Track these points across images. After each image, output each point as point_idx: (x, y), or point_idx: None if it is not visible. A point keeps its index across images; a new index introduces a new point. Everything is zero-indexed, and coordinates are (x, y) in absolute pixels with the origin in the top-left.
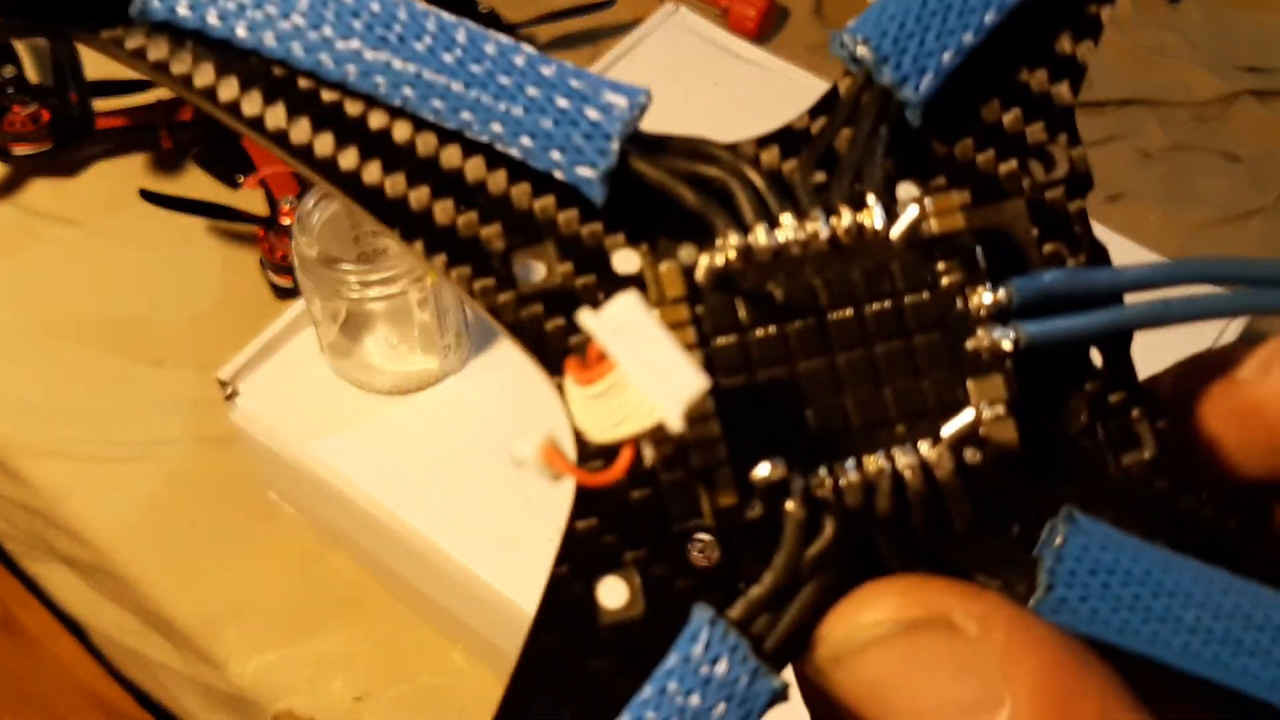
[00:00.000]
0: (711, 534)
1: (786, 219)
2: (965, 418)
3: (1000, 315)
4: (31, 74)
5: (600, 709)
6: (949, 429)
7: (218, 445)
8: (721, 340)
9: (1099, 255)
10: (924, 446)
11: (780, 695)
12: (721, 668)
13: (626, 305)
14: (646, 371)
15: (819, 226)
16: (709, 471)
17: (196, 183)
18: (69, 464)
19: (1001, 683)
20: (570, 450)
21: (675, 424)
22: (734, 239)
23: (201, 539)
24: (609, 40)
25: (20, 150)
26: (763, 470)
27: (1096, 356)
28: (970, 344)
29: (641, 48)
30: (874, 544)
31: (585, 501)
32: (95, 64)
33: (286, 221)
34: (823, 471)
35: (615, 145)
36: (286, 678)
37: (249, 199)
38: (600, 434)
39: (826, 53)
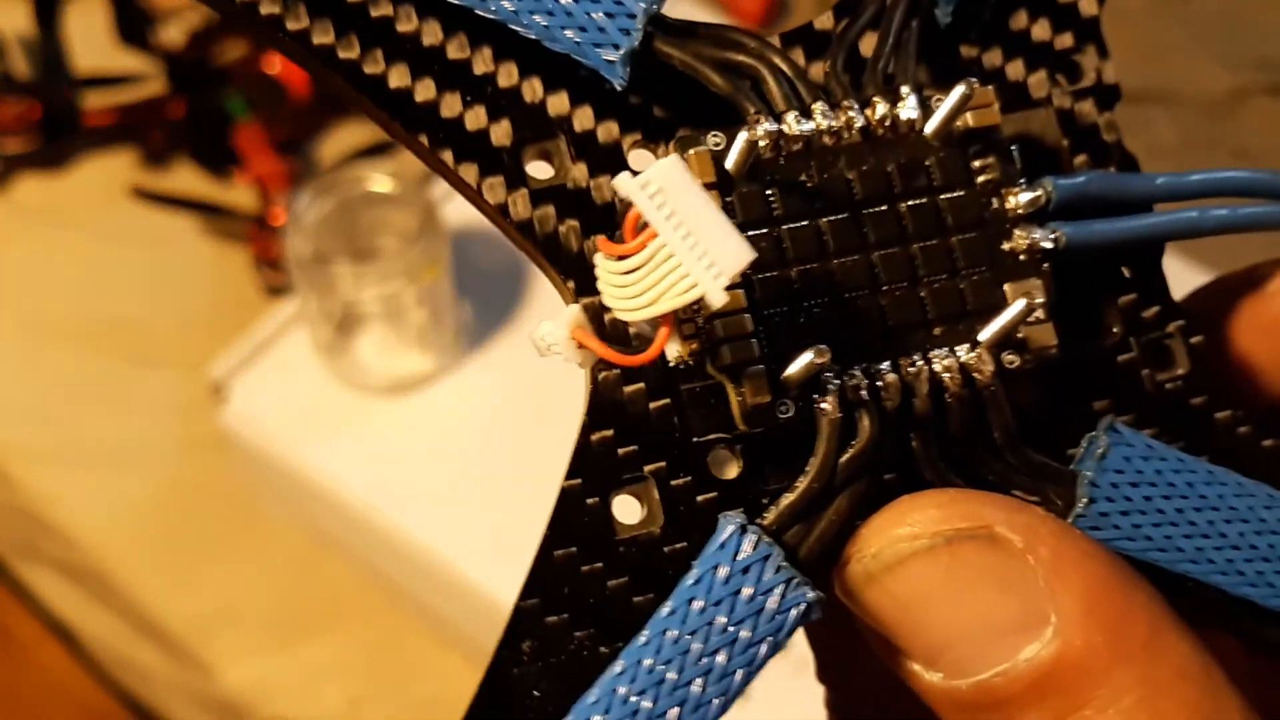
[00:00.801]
0: (737, 443)
1: (819, 108)
2: (1004, 319)
3: (1038, 215)
4: (20, 70)
5: (616, 629)
6: (987, 332)
7: (208, 447)
8: (753, 232)
9: (1129, 165)
10: (962, 349)
11: (814, 610)
12: (752, 578)
13: (669, 168)
14: (688, 241)
15: (853, 116)
16: (739, 368)
17: (187, 179)
18: (57, 466)
19: (1047, 600)
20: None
21: (717, 299)
22: (766, 125)
23: (192, 543)
24: None
25: (9, 146)
26: (801, 361)
27: (1128, 273)
28: (1007, 245)
29: None
30: (911, 454)
31: (601, 411)
32: (84, 59)
33: (280, 220)
34: (859, 372)
35: (640, 24)
36: (278, 684)
37: (241, 196)
38: (634, 312)
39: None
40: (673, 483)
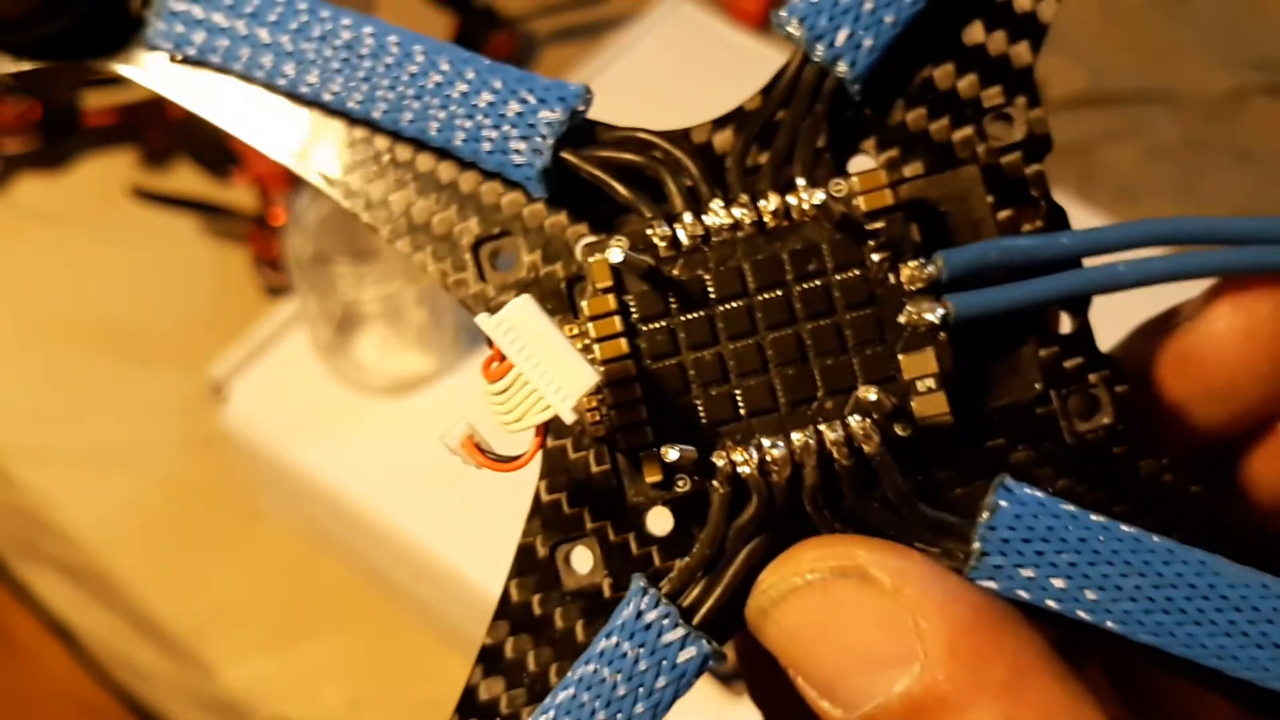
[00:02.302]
0: (667, 504)
1: (716, 205)
2: (888, 394)
3: (933, 288)
4: None
5: (564, 658)
6: (874, 405)
7: (208, 447)
8: (649, 326)
9: (1057, 219)
10: (853, 420)
11: (712, 658)
12: (653, 634)
13: (520, 306)
14: (539, 369)
15: (746, 211)
16: (634, 451)
17: (187, 179)
18: (56, 467)
19: (915, 637)
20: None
21: (568, 416)
22: (660, 230)
23: (191, 542)
24: (609, 33)
25: (8, 146)
26: (672, 454)
27: (1066, 323)
28: (902, 318)
29: (643, 40)
30: (807, 514)
31: (552, 473)
32: None
33: (279, 220)
34: (751, 449)
35: (548, 144)
36: (278, 684)
37: (240, 196)
38: (508, 426)
39: None
40: (612, 539)
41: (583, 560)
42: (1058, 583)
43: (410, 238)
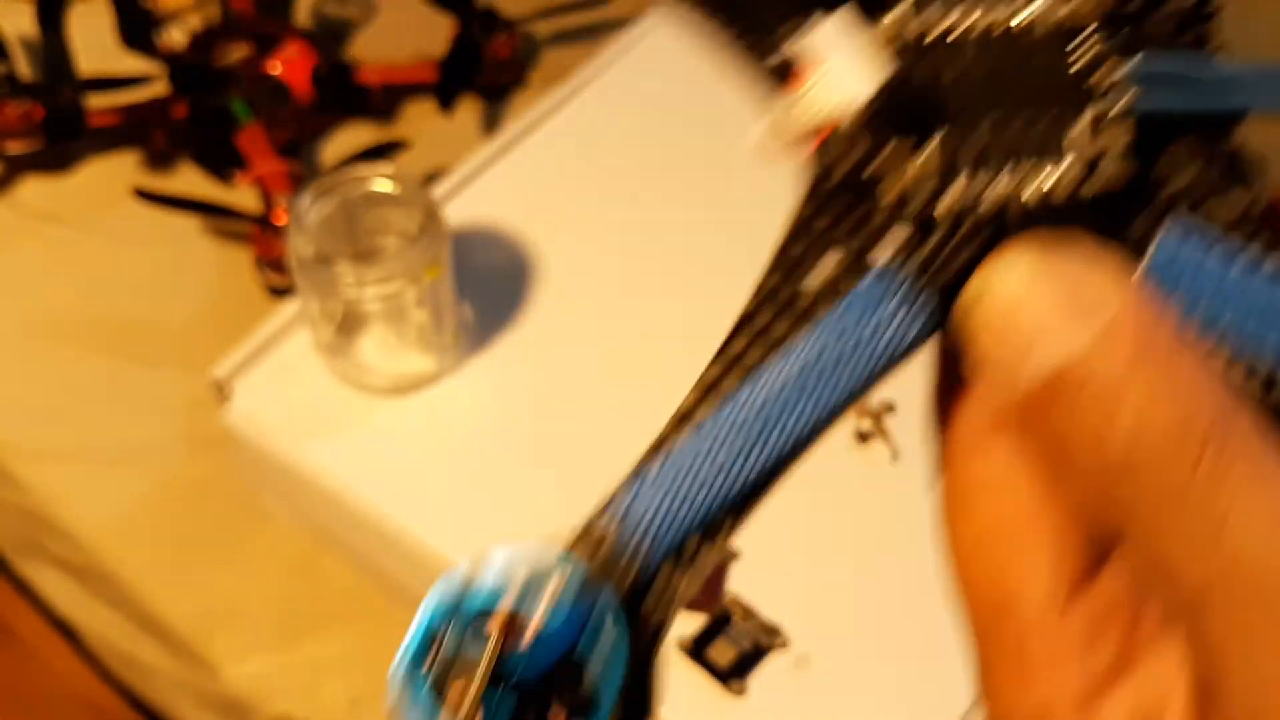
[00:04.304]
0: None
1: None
2: (1078, 153)
3: (1129, 78)
4: (24, 72)
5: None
6: (1069, 156)
7: (211, 447)
8: (899, 72)
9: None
10: (1048, 167)
11: (925, 335)
12: (888, 306)
13: (832, 24)
14: (835, 72)
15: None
16: (886, 156)
17: (190, 180)
18: (60, 466)
19: (1107, 296)
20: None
21: (859, 111)
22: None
23: (195, 541)
24: (609, 36)
25: (12, 148)
26: (931, 145)
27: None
28: (1092, 108)
29: (643, 42)
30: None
31: (810, 193)
32: (88, 61)
33: (282, 220)
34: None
35: None
36: (281, 682)
37: (243, 197)
38: (797, 128)
39: None
40: (857, 246)
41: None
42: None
43: None
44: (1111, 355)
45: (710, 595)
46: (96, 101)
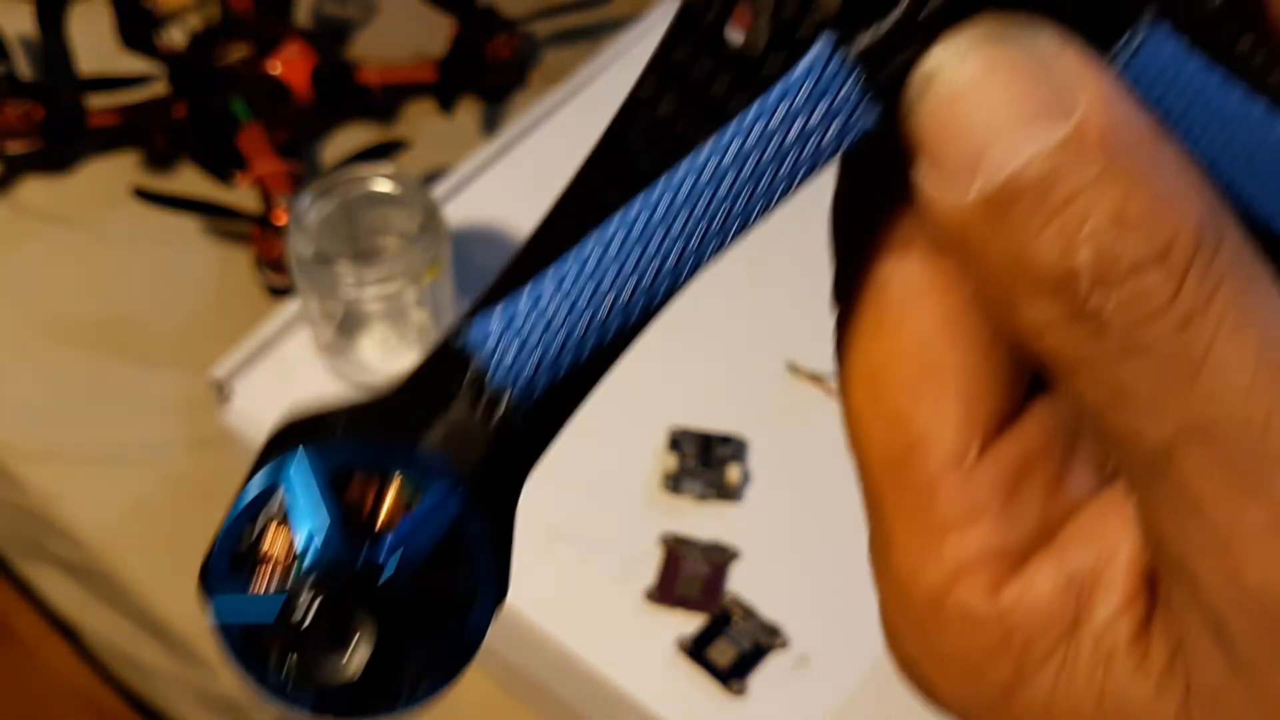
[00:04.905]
0: None
1: None
2: None
3: None
4: (24, 72)
5: (710, 120)
6: None
7: (212, 446)
8: None
9: None
10: None
11: (870, 128)
12: (832, 90)
13: None
14: None
15: None
16: None
17: (190, 181)
18: (61, 465)
19: (1075, 90)
20: None
21: None
22: None
23: (194, 541)
24: (609, 36)
25: (12, 148)
26: None
27: None
28: None
29: (642, 42)
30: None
31: None
32: (88, 62)
33: (282, 220)
34: None
35: None
36: None
37: (243, 197)
38: None
39: None
40: (782, 11)
41: (740, 30)
42: (1174, 124)
43: None
44: (1079, 161)
45: (710, 595)
46: (96, 101)
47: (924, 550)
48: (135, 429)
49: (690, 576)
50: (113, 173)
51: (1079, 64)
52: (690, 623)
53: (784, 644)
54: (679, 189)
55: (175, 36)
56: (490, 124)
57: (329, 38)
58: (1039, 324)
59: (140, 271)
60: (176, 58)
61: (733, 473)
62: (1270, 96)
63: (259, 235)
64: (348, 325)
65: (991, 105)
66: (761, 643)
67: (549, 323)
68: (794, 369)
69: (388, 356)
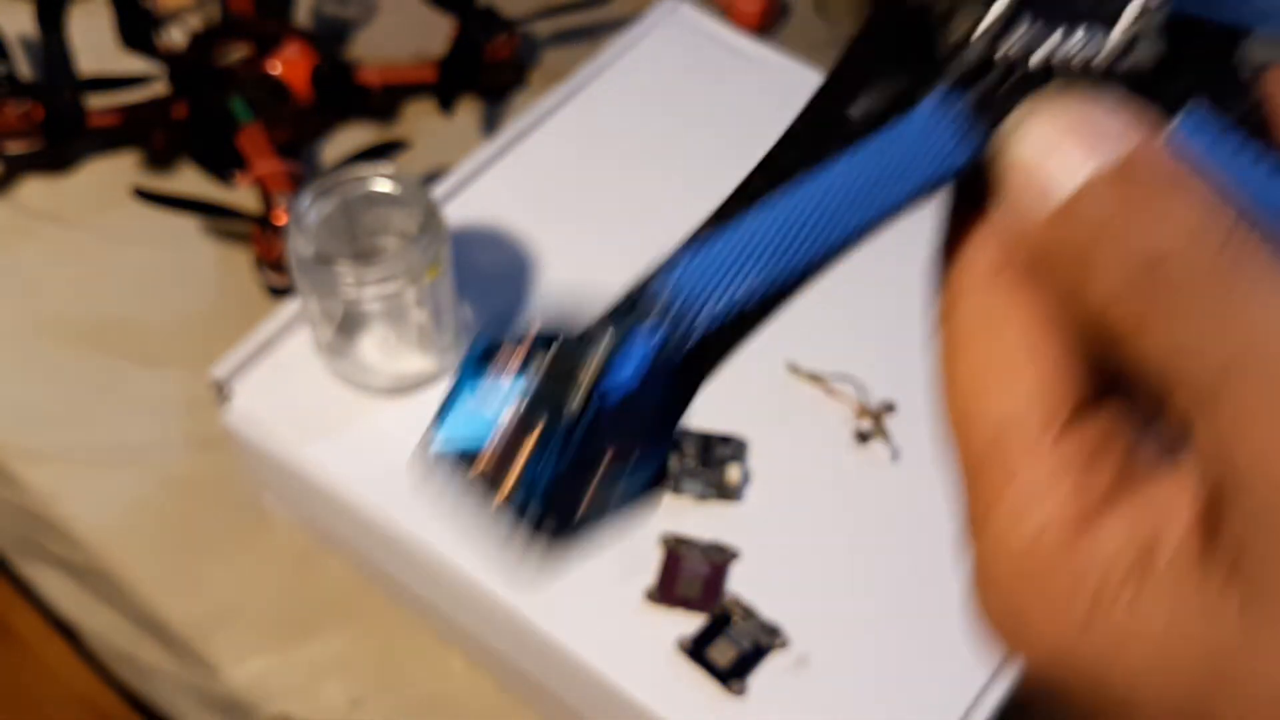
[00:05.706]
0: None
1: None
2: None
3: None
4: (24, 72)
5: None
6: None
7: (211, 447)
8: None
9: None
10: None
11: (972, 159)
12: (945, 129)
13: None
14: None
15: None
16: None
17: (190, 181)
18: (60, 466)
19: (1125, 138)
20: None
21: None
22: None
23: (195, 541)
24: (609, 36)
25: (12, 148)
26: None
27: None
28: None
29: (642, 42)
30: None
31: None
32: (87, 62)
33: (282, 220)
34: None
35: None
36: (281, 682)
37: (243, 197)
38: None
39: (828, 47)
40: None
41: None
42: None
43: None
44: (1131, 179)
45: (710, 595)
46: (96, 101)
47: (1008, 520)
48: (135, 429)
49: (690, 576)
50: (113, 173)
51: (1128, 121)
52: (690, 623)
53: (784, 644)
54: (831, 183)
55: (175, 36)
56: (490, 124)
57: (329, 38)
58: (1107, 297)
59: (140, 271)
60: (176, 58)
61: (733, 473)
62: None
63: (259, 235)
64: (348, 325)
65: (1062, 147)
66: (761, 643)
67: (731, 268)
68: (794, 369)
69: (388, 357)
